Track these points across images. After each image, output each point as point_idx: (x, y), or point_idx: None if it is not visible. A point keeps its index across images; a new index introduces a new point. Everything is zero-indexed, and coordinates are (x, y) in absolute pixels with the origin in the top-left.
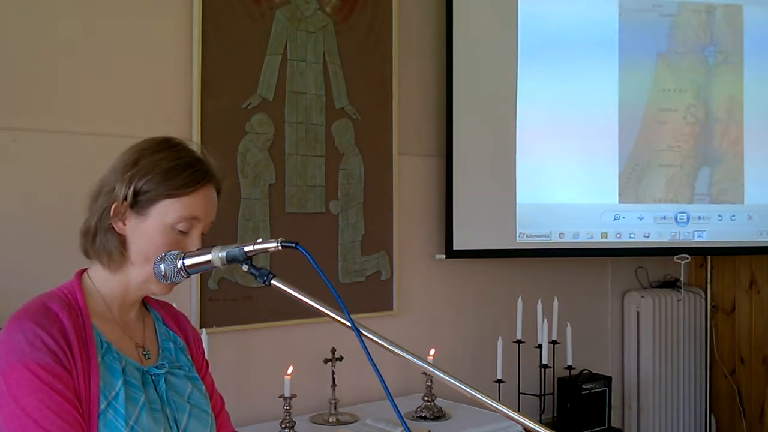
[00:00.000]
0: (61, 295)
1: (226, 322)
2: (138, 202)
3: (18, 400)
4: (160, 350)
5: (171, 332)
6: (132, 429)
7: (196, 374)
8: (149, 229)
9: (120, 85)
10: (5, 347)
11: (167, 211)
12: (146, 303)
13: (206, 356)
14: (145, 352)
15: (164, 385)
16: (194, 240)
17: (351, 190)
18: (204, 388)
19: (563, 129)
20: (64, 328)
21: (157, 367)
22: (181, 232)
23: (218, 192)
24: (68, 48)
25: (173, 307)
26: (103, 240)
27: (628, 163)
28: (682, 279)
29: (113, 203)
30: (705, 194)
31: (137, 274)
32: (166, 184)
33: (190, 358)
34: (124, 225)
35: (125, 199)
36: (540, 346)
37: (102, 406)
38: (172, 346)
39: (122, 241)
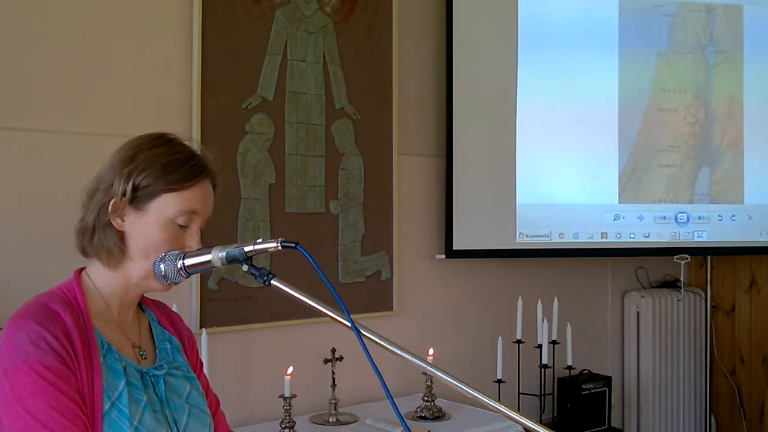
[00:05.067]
0: (61, 295)
1: (226, 322)
2: (137, 198)
3: (23, 401)
4: (156, 350)
5: (166, 332)
6: (136, 429)
7: (193, 374)
8: (148, 224)
9: (120, 85)
10: (9, 348)
11: (166, 206)
12: (141, 303)
13: (206, 356)
14: (141, 353)
15: (163, 386)
16: (193, 234)
17: (351, 190)
18: (201, 387)
19: (563, 129)
20: (67, 328)
21: (156, 368)
22: (181, 226)
23: (214, 187)
24: (68, 48)
25: (168, 306)
26: (101, 237)
27: (628, 163)
28: (682, 279)
29: (111, 199)
30: (705, 194)
31: (137, 270)
32: (165, 178)
33: (185, 357)
34: (123, 221)
35: (124, 194)
36: (540, 346)
37: (106, 407)
38: (168, 346)
39: (121, 237)
